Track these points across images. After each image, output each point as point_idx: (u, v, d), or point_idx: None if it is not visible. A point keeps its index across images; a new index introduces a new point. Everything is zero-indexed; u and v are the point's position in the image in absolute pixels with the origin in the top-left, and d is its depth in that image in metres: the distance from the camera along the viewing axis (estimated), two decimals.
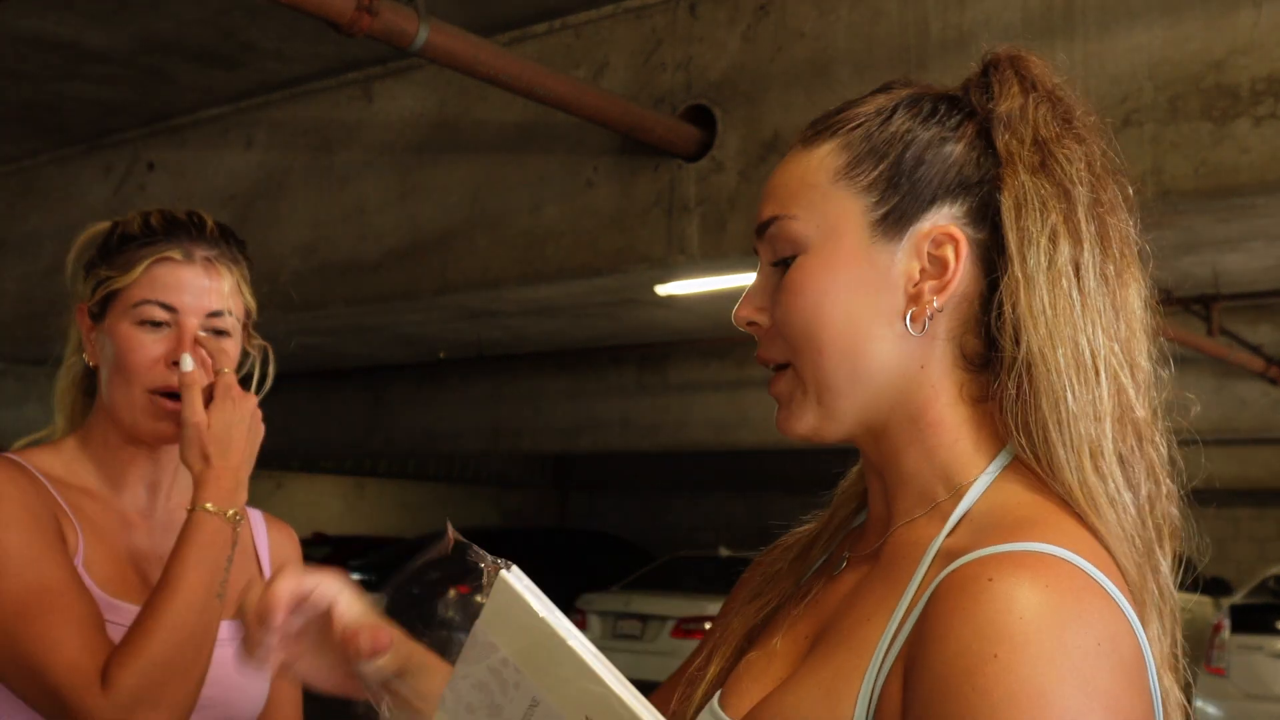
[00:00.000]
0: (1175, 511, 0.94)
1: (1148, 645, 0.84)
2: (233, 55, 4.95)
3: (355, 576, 11.61)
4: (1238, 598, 9.07)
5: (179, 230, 1.53)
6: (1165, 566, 0.92)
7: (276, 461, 15.21)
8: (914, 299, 0.92)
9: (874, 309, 0.92)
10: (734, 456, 14.62)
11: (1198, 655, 8.59)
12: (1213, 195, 3.35)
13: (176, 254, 1.51)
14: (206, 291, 1.51)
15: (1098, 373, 0.88)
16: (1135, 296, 0.93)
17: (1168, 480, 0.94)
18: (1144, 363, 0.93)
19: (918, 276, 0.92)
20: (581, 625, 10.09)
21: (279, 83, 5.26)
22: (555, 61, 4.52)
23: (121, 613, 1.45)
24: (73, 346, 1.62)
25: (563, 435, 11.41)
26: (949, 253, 0.92)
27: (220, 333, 1.53)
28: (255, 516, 1.70)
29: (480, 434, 11.80)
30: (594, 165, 4.43)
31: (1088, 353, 0.88)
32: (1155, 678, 0.84)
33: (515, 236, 4.63)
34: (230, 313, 1.54)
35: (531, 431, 11.53)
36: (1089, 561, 0.82)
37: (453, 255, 4.82)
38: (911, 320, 0.92)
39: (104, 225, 1.60)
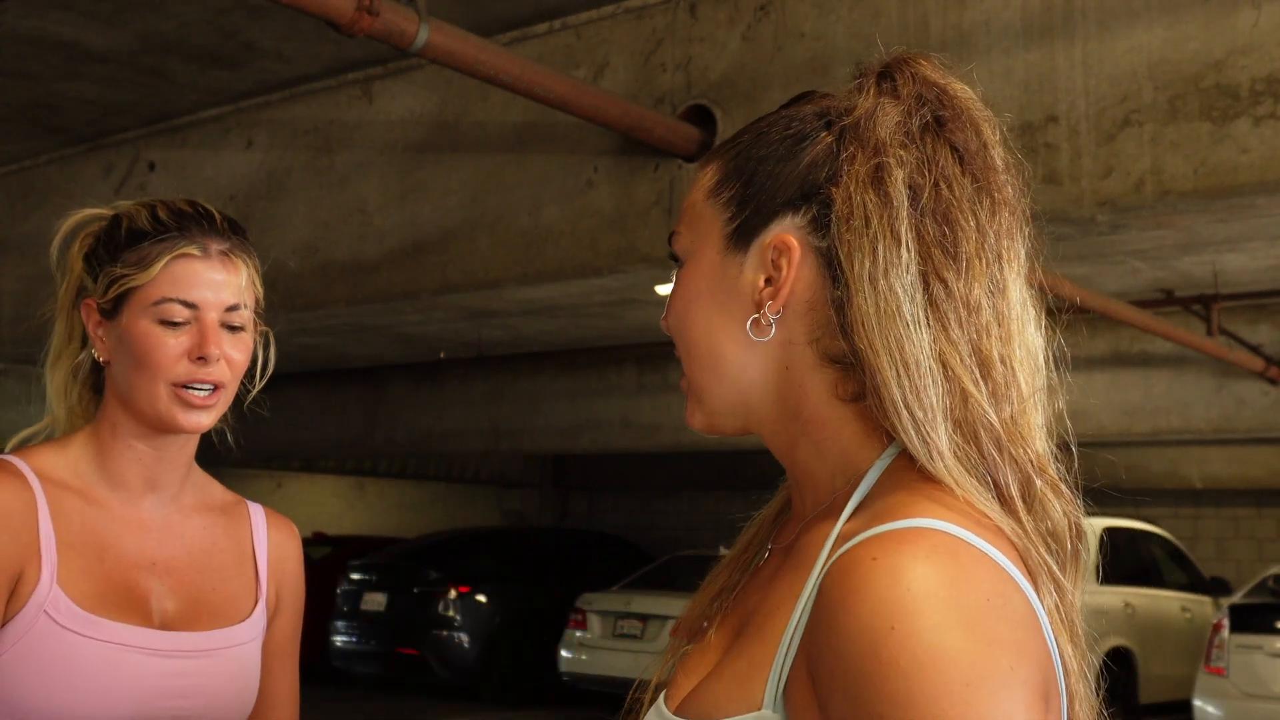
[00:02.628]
0: (1071, 510, 0.94)
1: (1040, 605, 0.86)
2: (233, 55, 4.96)
3: (355, 576, 11.62)
4: (1238, 598, 9.06)
5: (190, 224, 1.52)
6: (1056, 559, 0.92)
7: (276, 461, 15.22)
8: (758, 306, 0.98)
9: (726, 317, 0.99)
10: (734, 456, 14.62)
11: (1198, 655, 8.59)
12: (1212, 195, 3.36)
13: (194, 250, 1.50)
14: (224, 285, 1.51)
15: (932, 376, 0.90)
16: (994, 298, 0.94)
17: (1050, 478, 0.94)
18: (1005, 364, 0.93)
19: (762, 285, 0.98)
20: (581, 625, 10.09)
21: (279, 83, 5.26)
22: (555, 61, 4.52)
23: (100, 628, 1.43)
24: (63, 336, 1.60)
25: (563, 435, 11.41)
26: (784, 261, 0.96)
27: (237, 327, 1.53)
28: (256, 512, 1.68)
29: (480, 434, 11.80)
30: (594, 165, 4.43)
31: (915, 357, 0.90)
32: (1052, 637, 0.87)
33: (515, 236, 4.63)
34: (246, 305, 1.54)
35: (531, 431, 11.53)
36: (967, 530, 0.85)
37: (453, 255, 4.82)
38: (752, 327, 0.97)
39: (98, 213, 1.58)
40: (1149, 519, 11.57)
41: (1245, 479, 13.54)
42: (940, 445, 0.89)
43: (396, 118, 5.05)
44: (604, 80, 4.41)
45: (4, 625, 1.41)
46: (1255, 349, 8.00)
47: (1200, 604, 10.75)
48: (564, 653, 10.15)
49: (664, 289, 5.68)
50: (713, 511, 17.20)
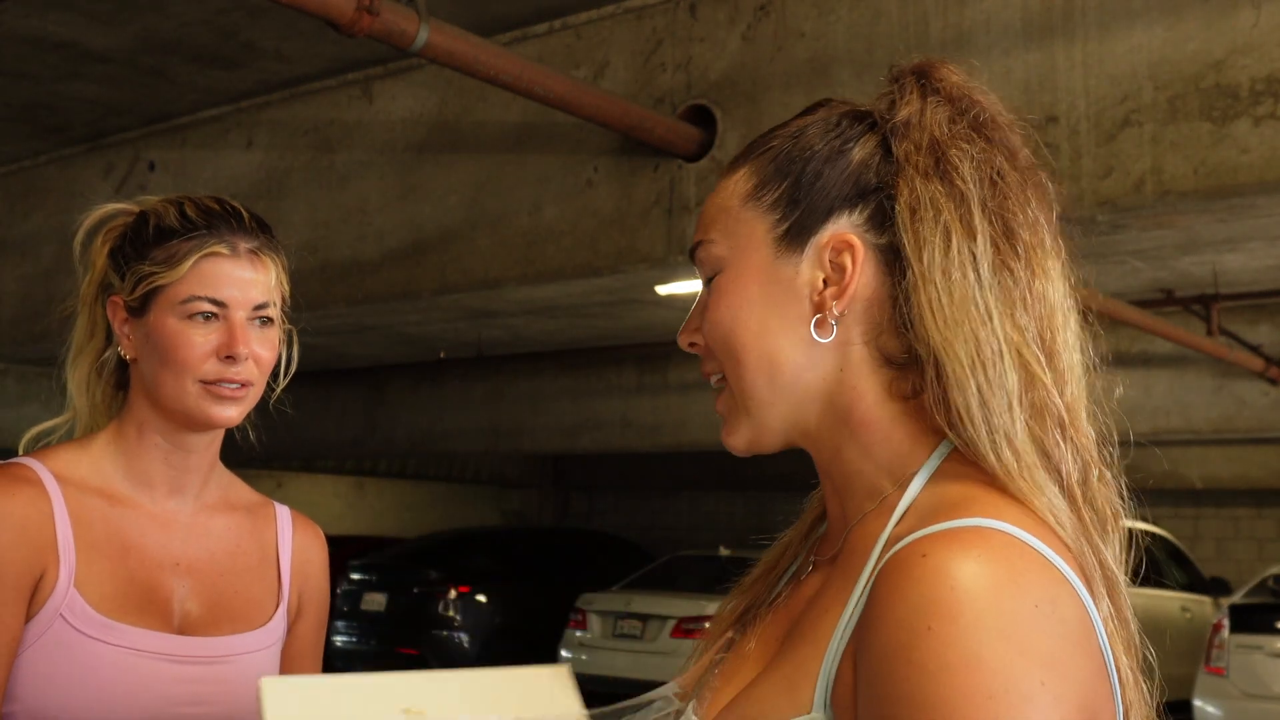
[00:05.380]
0: (1115, 497, 0.95)
1: (1095, 611, 0.85)
2: (233, 55, 4.95)
3: (355, 576, 11.62)
4: (1238, 598, 9.06)
5: (219, 222, 1.51)
6: (1108, 549, 0.92)
7: (277, 461, 15.20)
8: (818, 307, 0.96)
9: (783, 320, 0.97)
10: (734, 456, 14.60)
11: (1198, 655, 8.59)
12: (1213, 195, 3.36)
13: (223, 249, 1.49)
14: (252, 284, 1.51)
15: (1003, 363, 0.90)
16: (1050, 286, 0.94)
17: (1100, 465, 0.95)
18: (1065, 351, 0.94)
19: (821, 285, 0.96)
20: (581, 625, 10.09)
21: (279, 83, 5.26)
22: (555, 61, 4.52)
23: (116, 633, 1.43)
24: (85, 331, 1.58)
25: (563, 435, 11.40)
26: (847, 259, 0.95)
27: (266, 321, 1.53)
28: (283, 515, 1.67)
29: (480, 434, 11.80)
30: (594, 165, 4.43)
31: (990, 345, 0.90)
32: (1108, 647, 0.85)
33: (515, 236, 4.63)
34: (274, 304, 1.54)
35: (531, 431, 11.53)
36: (1026, 531, 0.84)
37: (453, 255, 4.82)
38: (816, 327, 0.96)
39: (122, 208, 1.57)
40: (1149, 519, 11.55)
41: (1245, 479, 13.54)
42: (1013, 435, 0.89)
43: (396, 118, 5.05)
44: (604, 80, 4.41)
45: (25, 627, 1.41)
46: (1255, 349, 8.00)
47: (1200, 604, 10.75)
48: (564, 653, 10.15)
49: (664, 289, 5.69)
50: (713, 511, 17.19)
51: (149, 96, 5.42)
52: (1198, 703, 8.22)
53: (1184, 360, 8.54)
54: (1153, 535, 10.86)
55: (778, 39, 4.04)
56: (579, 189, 4.47)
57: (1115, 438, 0.99)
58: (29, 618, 1.41)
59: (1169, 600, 10.46)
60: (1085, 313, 0.98)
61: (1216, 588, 11.05)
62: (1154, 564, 10.64)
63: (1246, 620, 8.23)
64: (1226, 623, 8.27)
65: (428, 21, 3.25)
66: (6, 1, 4.34)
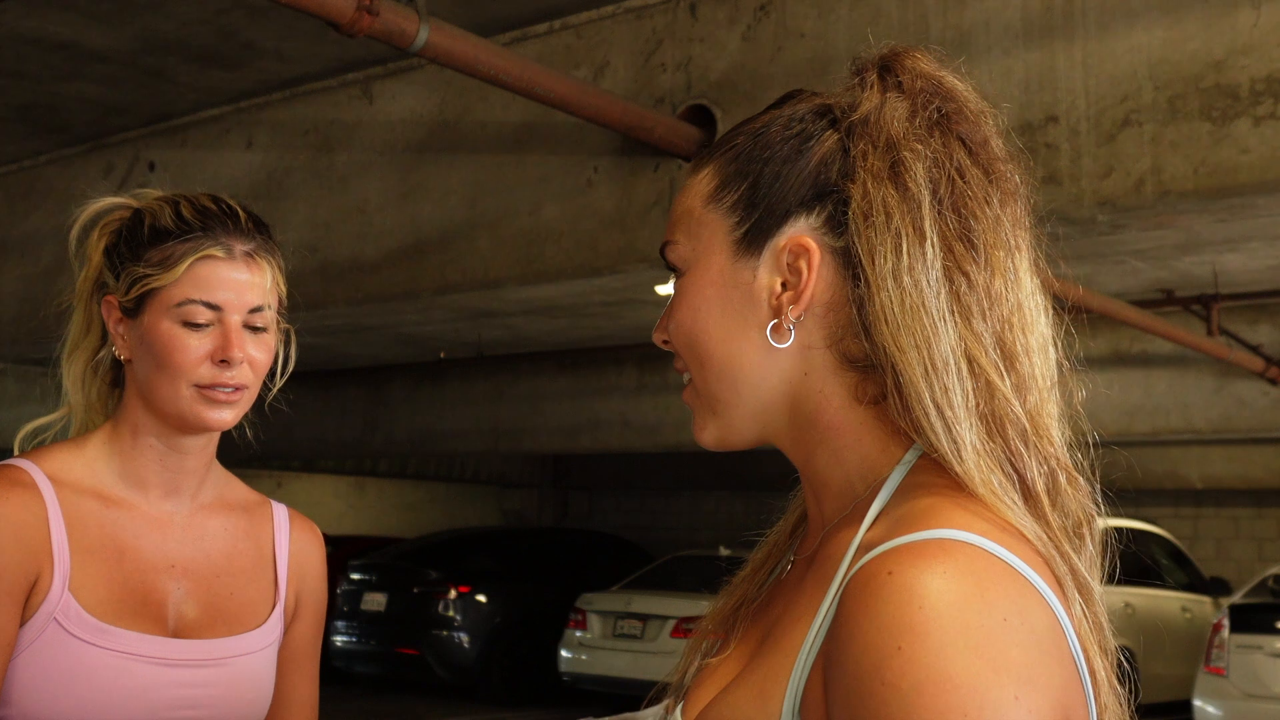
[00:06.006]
0: (1088, 502, 0.93)
1: (1067, 619, 0.84)
2: (233, 55, 4.96)
3: (355, 576, 11.62)
4: (1238, 598, 9.06)
5: (214, 223, 1.49)
6: (1083, 554, 0.91)
7: (276, 461, 15.22)
8: (775, 311, 0.95)
9: (742, 324, 0.96)
10: (734, 456, 14.62)
11: (1198, 655, 8.59)
12: (1213, 195, 3.36)
13: (218, 251, 1.48)
14: (248, 287, 1.49)
15: (959, 371, 0.88)
16: (1013, 287, 0.92)
17: (1070, 471, 0.93)
18: (1028, 355, 0.92)
19: (779, 289, 0.95)
20: (581, 625, 10.10)
21: (279, 83, 5.27)
22: (555, 61, 4.52)
23: (110, 637, 1.43)
24: (80, 327, 1.57)
25: (563, 435, 11.41)
26: (803, 264, 0.94)
27: (259, 328, 1.51)
28: (280, 513, 1.66)
29: (480, 434, 11.80)
30: (594, 165, 4.43)
31: (944, 352, 0.88)
32: (1080, 652, 0.85)
33: (515, 236, 4.64)
34: (270, 306, 1.52)
35: (531, 431, 11.54)
36: (993, 541, 0.83)
37: (453, 255, 4.82)
38: (773, 333, 0.95)
39: (119, 203, 1.55)
40: (1149, 519, 11.58)
41: (1245, 479, 13.54)
42: (967, 442, 0.87)
43: (396, 118, 5.05)
44: (604, 80, 4.41)
45: (19, 631, 1.41)
46: (1255, 349, 8.00)
47: (1200, 604, 10.75)
48: (564, 653, 10.15)
49: (664, 289, 5.69)
50: (713, 511, 17.20)
51: (149, 96, 5.42)
52: (1198, 703, 8.22)
53: (1184, 360, 8.54)
54: (1153, 535, 10.87)
55: (778, 39, 4.05)
56: (579, 189, 4.47)
57: (1089, 439, 0.97)
58: (23, 622, 1.40)
59: (1169, 600, 10.46)
60: (1062, 309, 0.97)
61: (1216, 588, 11.05)
62: (1154, 564, 10.65)
63: (1246, 620, 8.23)
64: (1226, 623, 8.27)
65: (428, 21, 3.25)
66: (7, 1, 4.34)
